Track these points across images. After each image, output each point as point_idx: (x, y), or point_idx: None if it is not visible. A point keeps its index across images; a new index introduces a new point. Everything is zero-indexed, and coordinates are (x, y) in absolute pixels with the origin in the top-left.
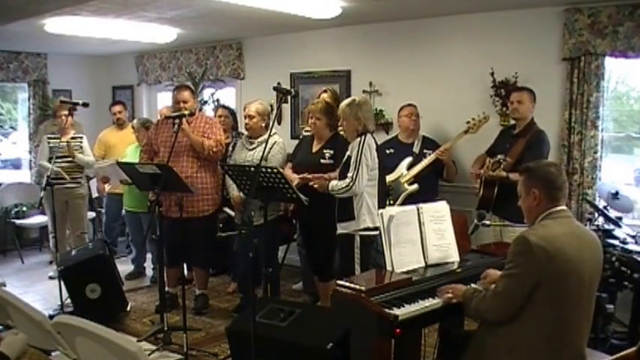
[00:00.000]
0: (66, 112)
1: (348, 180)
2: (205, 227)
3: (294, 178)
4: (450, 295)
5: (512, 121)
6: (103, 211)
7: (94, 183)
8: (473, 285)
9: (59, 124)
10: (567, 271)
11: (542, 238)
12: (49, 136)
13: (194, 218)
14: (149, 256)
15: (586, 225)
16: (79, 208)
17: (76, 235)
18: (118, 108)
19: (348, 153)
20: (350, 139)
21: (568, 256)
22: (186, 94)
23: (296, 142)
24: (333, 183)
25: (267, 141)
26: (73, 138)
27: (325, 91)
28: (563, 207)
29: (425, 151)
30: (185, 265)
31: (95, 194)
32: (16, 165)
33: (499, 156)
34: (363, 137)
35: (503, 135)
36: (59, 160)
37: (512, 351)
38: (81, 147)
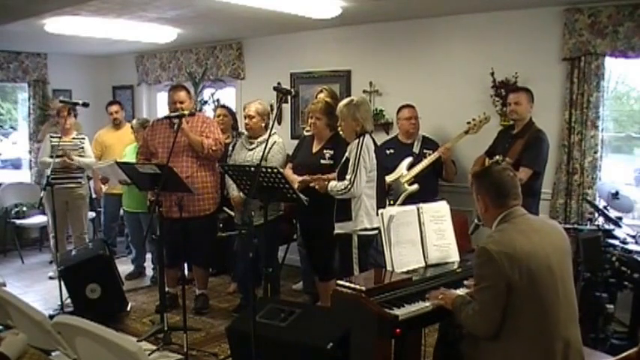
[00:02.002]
0: (70, 114)
1: (346, 182)
2: (205, 226)
3: (294, 180)
4: (440, 301)
5: (512, 121)
6: (102, 211)
7: (91, 183)
8: (463, 290)
9: (61, 124)
10: (533, 267)
11: (500, 244)
12: (51, 135)
13: (194, 218)
14: (149, 256)
15: (586, 225)
16: (80, 208)
17: (76, 235)
18: (114, 108)
19: (346, 154)
20: (348, 139)
21: (529, 253)
22: (182, 94)
23: (296, 142)
24: (332, 184)
25: (267, 141)
26: (75, 138)
27: (322, 91)
28: (516, 207)
29: (425, 151)
30: (186, 265)
31: (94, 194)
32: (16, 165)
33: (496, 157)
34: (361, 139)
35: (503, 135)
36: (60, 160)
37: (507, 356)
38: (82, 147)
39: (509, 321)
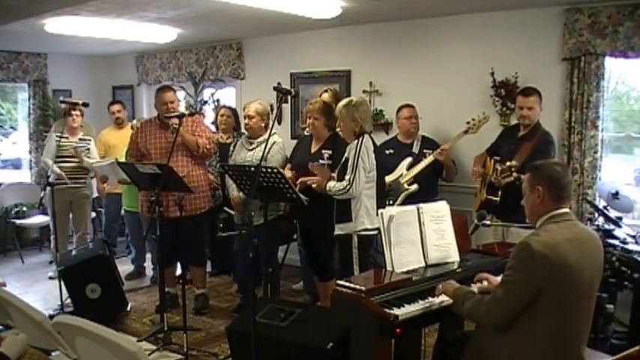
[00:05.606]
0: (78, 113)
1: (345, 183)
2: (201, 225)
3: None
4: (441, 291)
5: (513, 121)
6: (103, 211)
7: (93, 182)
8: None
9: (69, 124)
10: (569, 279)
11: (545, 246)
12: (57, 134)
13: (190, 216)
14: (149, 256)
15: (586, 224)
16: (84, 208)
17: (78, 235)
18: (116, 107)
19: (345, 155)
20: (347, 139)
21: (570, 264)
22: (170, 95)
23: (296, 142)
24: (331, 184)
25: (267, 141)
26: (81, 139)
27: (326, 91)
28: (567, 210)
29: (425, 151)
30: (179, 265)
31: (95, 194)
32: (16, 165)
33: (508, 163)
34: (360, 139)
35: (507, 136)
36: (65, 159)
37: (513, 356)
38: (88, 148)
39: (525, 319)
